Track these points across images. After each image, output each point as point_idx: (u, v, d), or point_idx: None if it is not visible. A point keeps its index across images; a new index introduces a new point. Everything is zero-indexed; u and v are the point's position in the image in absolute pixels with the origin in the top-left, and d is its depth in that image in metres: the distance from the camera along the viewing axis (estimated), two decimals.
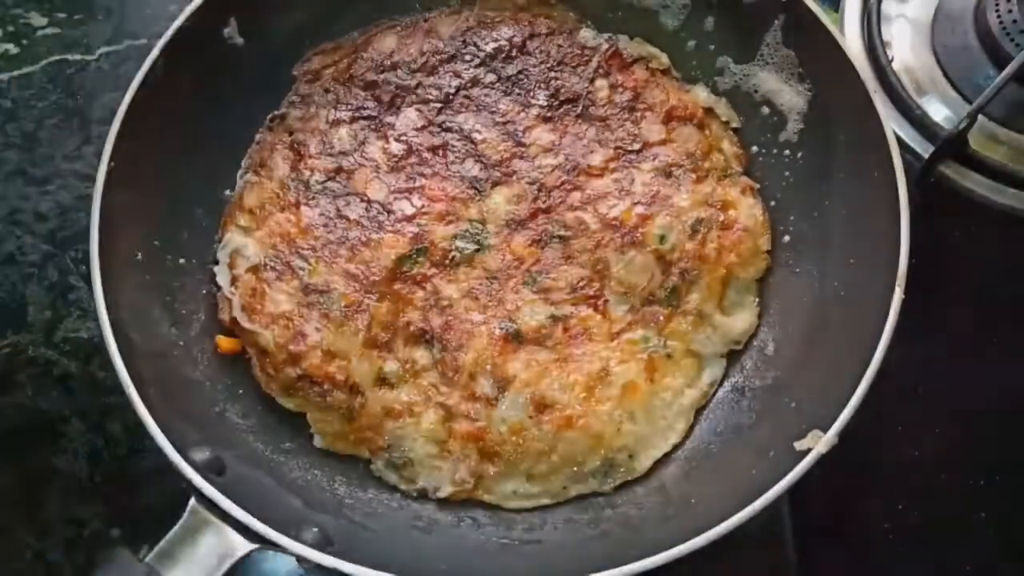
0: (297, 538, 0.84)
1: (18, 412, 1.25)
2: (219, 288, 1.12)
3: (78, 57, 1.44)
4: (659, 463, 1.07)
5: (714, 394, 1.11)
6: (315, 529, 0.89)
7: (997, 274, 1.26)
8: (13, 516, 1.20)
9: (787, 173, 1.17)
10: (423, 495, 1.05)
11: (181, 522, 0.84)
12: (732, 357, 1.12)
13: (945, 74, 1.29)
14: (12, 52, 1.45)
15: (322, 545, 0.86)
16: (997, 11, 1.26)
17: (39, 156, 1.39)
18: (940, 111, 1.25)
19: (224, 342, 1.09)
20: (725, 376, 1.12)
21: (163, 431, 0.87)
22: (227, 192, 1.19)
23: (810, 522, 1.12)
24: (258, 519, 0.83)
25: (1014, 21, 1.24)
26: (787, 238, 1.15)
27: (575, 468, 1.05)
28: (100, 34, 1.46)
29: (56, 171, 1.38)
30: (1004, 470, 1.17)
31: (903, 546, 1.14)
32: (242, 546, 0.83)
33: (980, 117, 1.17)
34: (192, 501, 0.85)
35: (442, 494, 1.04)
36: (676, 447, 1.08)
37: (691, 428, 1.09)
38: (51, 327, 1.30)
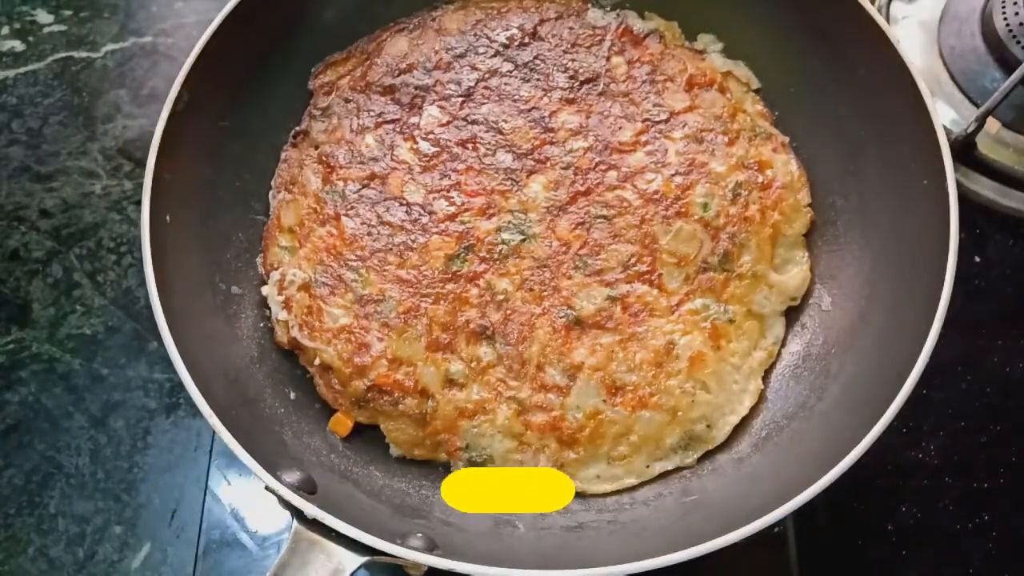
0: (405, 545, 0.83)
1: (21, 408, 1.26)
2: (270, 312, 1.11)
3: (84, 54, 1.45)
4: (736, 433, 1.07)
5: (779, 355, 1.11)
6: (419, 535, 0.89)
7: (1002, 277, 1.27)
8: (15, 512, 1.20)
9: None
10: None
11: (287, 546, 0.82)
12: (792, 317, 1.12)
13: (952, 76, 1.29)
14: (18, 49, 1.45)
15: (429, 549, 0.85)
16: (1004, 13, 1.26)
17: (44, 153, 1.40)
18: (947, 114, 1.26)
19: (339, 424, 1.07)
20: (787, 336, 1.11)
21: (254, 457, 0.85)
22: (259, 217, 1.18)
23: (812, 522, 1.12)
24: (364, 531, 0.82)
25: (1021, 24, 1.24)
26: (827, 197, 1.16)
27: (655, 446, 1.04)
28: (106, 32, 1.47)
29: (61, 168, 1.39)
30: (1007, 472, 1.18)
31: (905, 548, 1.14)
32: (351, 561, 0.82)
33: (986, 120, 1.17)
34: (295, 523, 0.83)
35: None
36: (750, 416, 1.08)
37: (762, 393, 1.09)
38: (55, 324, 1.31)
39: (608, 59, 1.22)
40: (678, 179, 1.13)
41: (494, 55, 1.22)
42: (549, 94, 1.19)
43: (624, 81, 1.20)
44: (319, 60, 1.23)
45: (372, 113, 1.19)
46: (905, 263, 1.02)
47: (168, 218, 1.01)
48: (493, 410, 1.04)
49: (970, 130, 1.19)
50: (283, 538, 1.14)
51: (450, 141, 1.17)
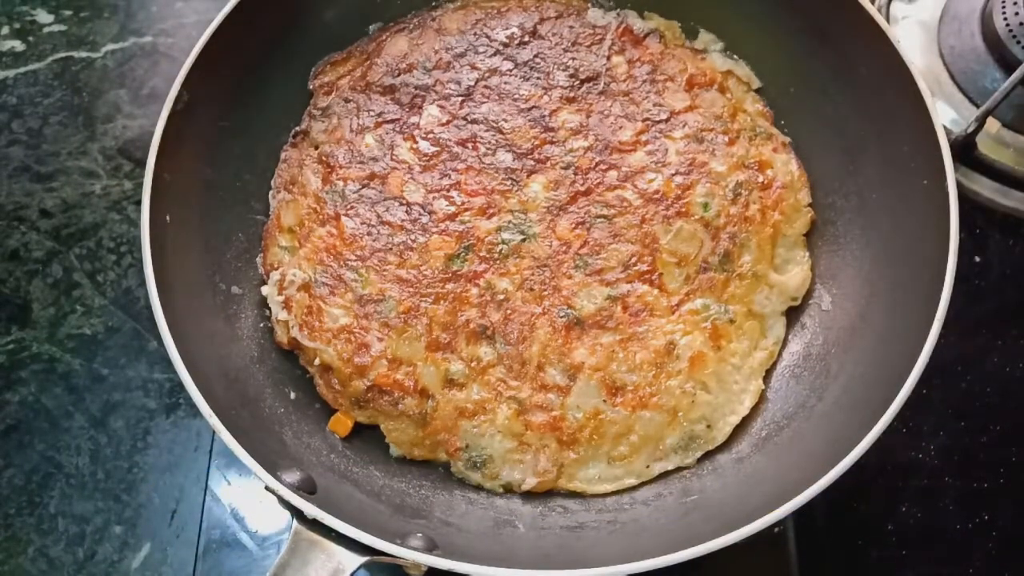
0: (405, 545, 0.83)
1: (21, 408, 1.26)
2: (270, 312, 1.10)
3: (84, 54, 1.45)
4: (736, 433, 1.06)
5: (780, 355, 1.11)
6: (419, 535, 0.89)
7: (1002, 277, 1.27)
8: (15, 512, 1.20)
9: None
10: (509, 490, 1.04)
11: (287, 546, 0.82)
12: (792, 317, 1.12)
13: (952, 76, 1.29)
14: (18, 49, 1.45)
15: (429, 549, 0.85)
16: (1004, 13, 1.26)
17: (44, 153, 1.40)
18: (947, 114, 1.26)
19: (339, 424, 1.07)
20: (788, 337, 1.11)
21: (253, 456, 0.85)
22: (259, 217, 1.18)
23: (812, 522, 1.12)
24: (364, 531, 0.82)
25: (1021, 24, 1.24)
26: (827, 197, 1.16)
27: (655, 446, 1.04)
28: (106, 32, 1.47)
29: (61, 168, 1.39)
30: (1007, 472, 1.17)
31: (905, 548, 1.14)
32: (351, 561, 0.82)
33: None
34: (295, 523, 0.83)
35: (527, 486, 1.03)
36: (750, 416, 1.07)
37: (762, 394, 1.09)
38: (55, 324, 1.31)
39: (608, 58, 1.22)
40: (678, 179, 1.13)
41: (494, 54, 1.22)
42: (549, 93, 1.19)
43: (624, 80, 1.20)
44: (319, 60, 1.23)
45: (372, 113, 1.19)
46: (905, 263, 1.02)
47: (168, 218, 1.01)
48: (493, 410, 1.04)
49: (970, 130, 1.19)
50: (283, 538, 1.14)
51: (450, 141, 1.17)
